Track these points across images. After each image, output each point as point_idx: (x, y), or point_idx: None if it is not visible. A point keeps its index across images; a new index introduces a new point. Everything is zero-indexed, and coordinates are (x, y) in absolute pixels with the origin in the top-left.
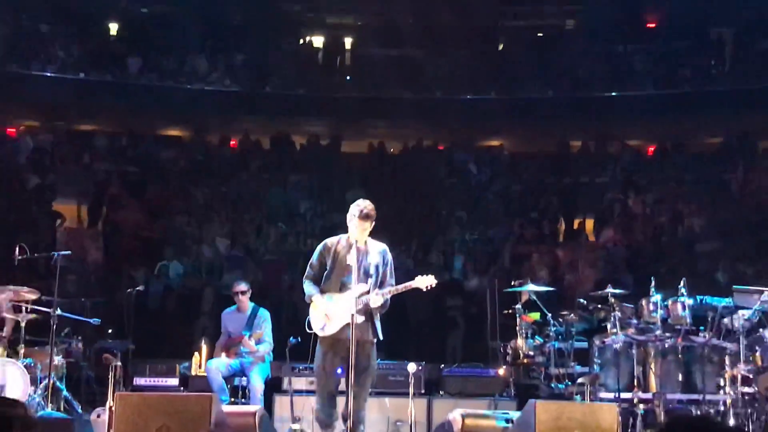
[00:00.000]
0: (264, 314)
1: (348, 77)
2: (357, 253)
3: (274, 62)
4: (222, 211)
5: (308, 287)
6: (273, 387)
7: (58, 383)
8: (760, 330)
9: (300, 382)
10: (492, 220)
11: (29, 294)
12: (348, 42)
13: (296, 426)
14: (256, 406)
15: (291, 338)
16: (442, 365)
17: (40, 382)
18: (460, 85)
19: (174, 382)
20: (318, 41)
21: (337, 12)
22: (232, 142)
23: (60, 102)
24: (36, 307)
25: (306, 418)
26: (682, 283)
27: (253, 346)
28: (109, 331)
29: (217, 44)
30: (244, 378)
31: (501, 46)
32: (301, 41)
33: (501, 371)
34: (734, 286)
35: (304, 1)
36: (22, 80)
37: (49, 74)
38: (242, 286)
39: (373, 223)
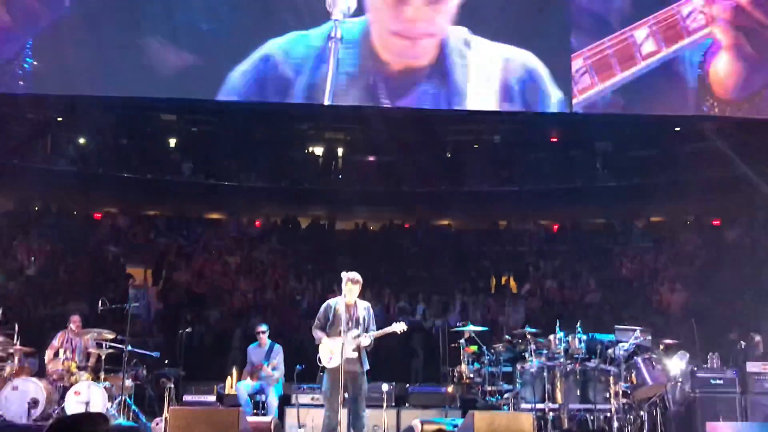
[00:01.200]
0: (278, 348)
1: (340, 176)
2: (349, 308)
3: (286, 165)
4: (249, 273)
5: (317, 333)
6: (284, 402)
7: (128, 400)
8: (634, 357)
9: (305, 398)
10: (444, 278)
11: (108, 334)
12: (340, 151)
13: (301, 431)
14: (271, 417)
15: (298, 366)
16: (408, 384)
17: (115, 399)
18: (420, 181)
19: (212, 398)
20: (318, 150)
21: (333, 129)
22: (256, 223)
23: (133, 194)
24: (113, 344)
25: (308, 426)
26: (578, 324)
27: (270, 371)
28: (166, 361)
29: (246, 152)
30: (263, 395)
31: (449, 154)
32: (306, 150)
33: (450, 389)
34: (615, 326)
35: (309, 121)
36: (106, 178)
37: (125, 175)
38: (262, 327)
39: (360, 286)
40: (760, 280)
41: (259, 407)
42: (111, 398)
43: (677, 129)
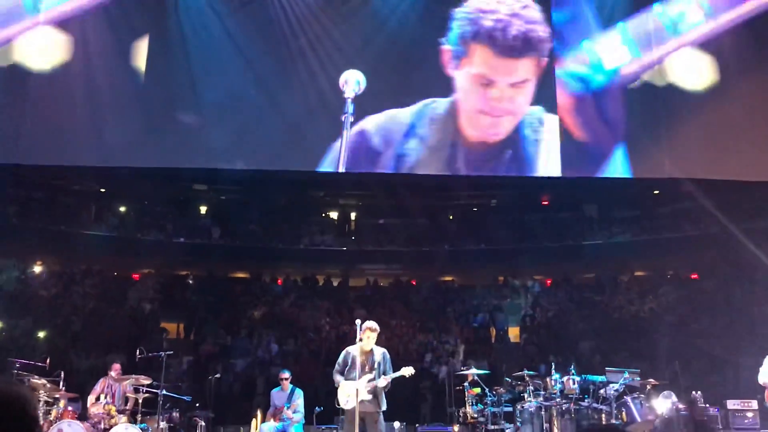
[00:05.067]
0: (299, 392)
1: (353, 237)
2: (366, 354)
3: (305, 228)
4: (272, 326)
5: (336, 377)
6: None
7: None
8: (624, 397)
9: None
10: (449, 328)
11: (145, 380)
12: (353, 215)
13: None
14: None
15: (316, 408)
16: (417, 424)
17: None
18: (424, 241)
19: None
20: (334, 215)
21: (346, 196)
22: (278, 281)
23: (167, 256)
24: (149, 389)
25: None
26: (572, 366)
27: (291, 414)
28: (197, 405)
29: (269, 218)
30: None
31: (451, 216)
32: (323, 215)
33: (456, 428)
34: (606, 368)
35: (325, 189)
36: (144, 242)
37: (161, 239)
38: (285, 374)
39: (377, 334)
40: (734, 327)
41: None
42: None
43: (656, 192)
